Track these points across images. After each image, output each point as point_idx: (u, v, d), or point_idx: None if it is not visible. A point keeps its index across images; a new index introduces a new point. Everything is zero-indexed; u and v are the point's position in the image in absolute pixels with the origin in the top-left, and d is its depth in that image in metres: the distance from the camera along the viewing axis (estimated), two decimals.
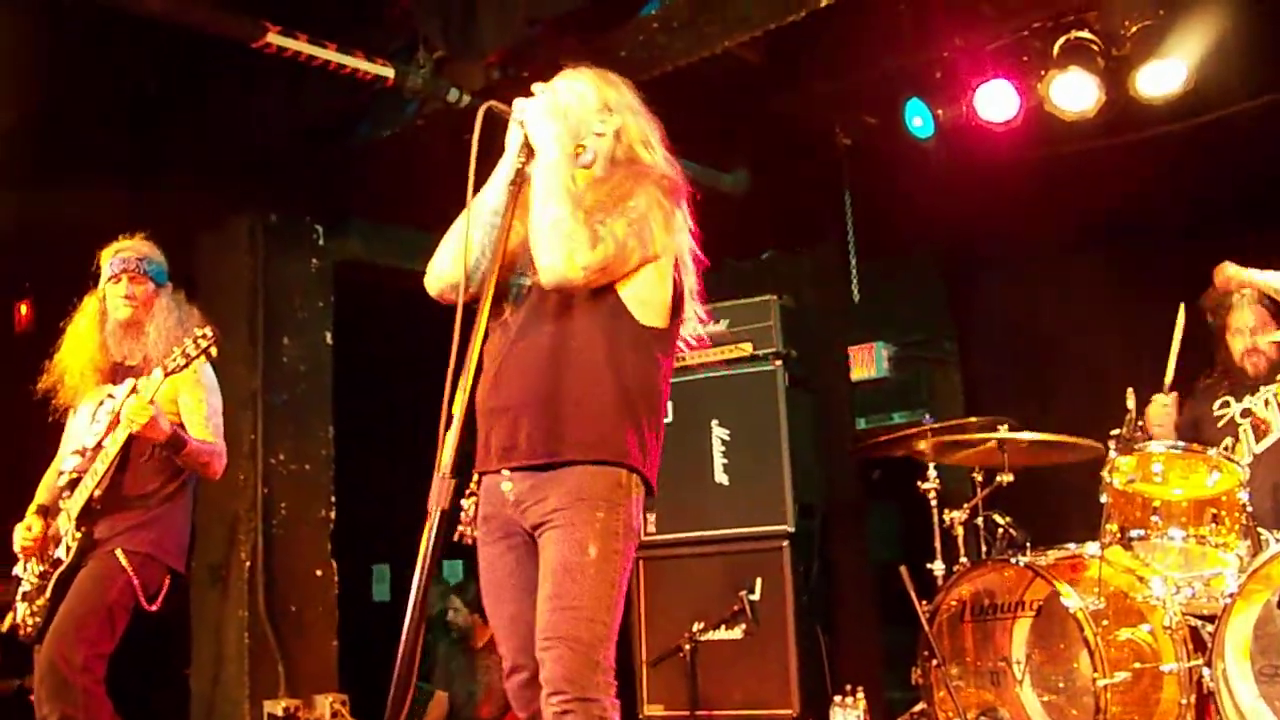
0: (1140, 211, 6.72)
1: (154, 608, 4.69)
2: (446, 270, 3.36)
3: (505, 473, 3.22)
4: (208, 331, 4.54)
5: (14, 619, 4.75)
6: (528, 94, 3.33)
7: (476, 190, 3.25)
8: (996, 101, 6.60)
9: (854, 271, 7.63)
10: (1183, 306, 5.32)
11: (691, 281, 3.42)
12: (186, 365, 4.53)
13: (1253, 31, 6.07)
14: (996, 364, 7.60)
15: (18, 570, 4.80)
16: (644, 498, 3.30)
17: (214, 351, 4.59)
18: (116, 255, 4.95)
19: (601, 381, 3.20)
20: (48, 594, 4.63)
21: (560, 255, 3.11)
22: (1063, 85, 6.40)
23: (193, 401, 4.86)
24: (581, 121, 3.40)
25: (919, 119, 6.99)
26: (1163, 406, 5.53)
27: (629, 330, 3.26)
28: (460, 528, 3.24)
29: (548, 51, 6.08)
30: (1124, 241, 6.85)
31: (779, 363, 6.66)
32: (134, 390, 4.67)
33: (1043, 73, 6.43)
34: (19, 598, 4.75)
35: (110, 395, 4.84)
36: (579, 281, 3.15)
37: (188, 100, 6.49)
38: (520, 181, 3.23)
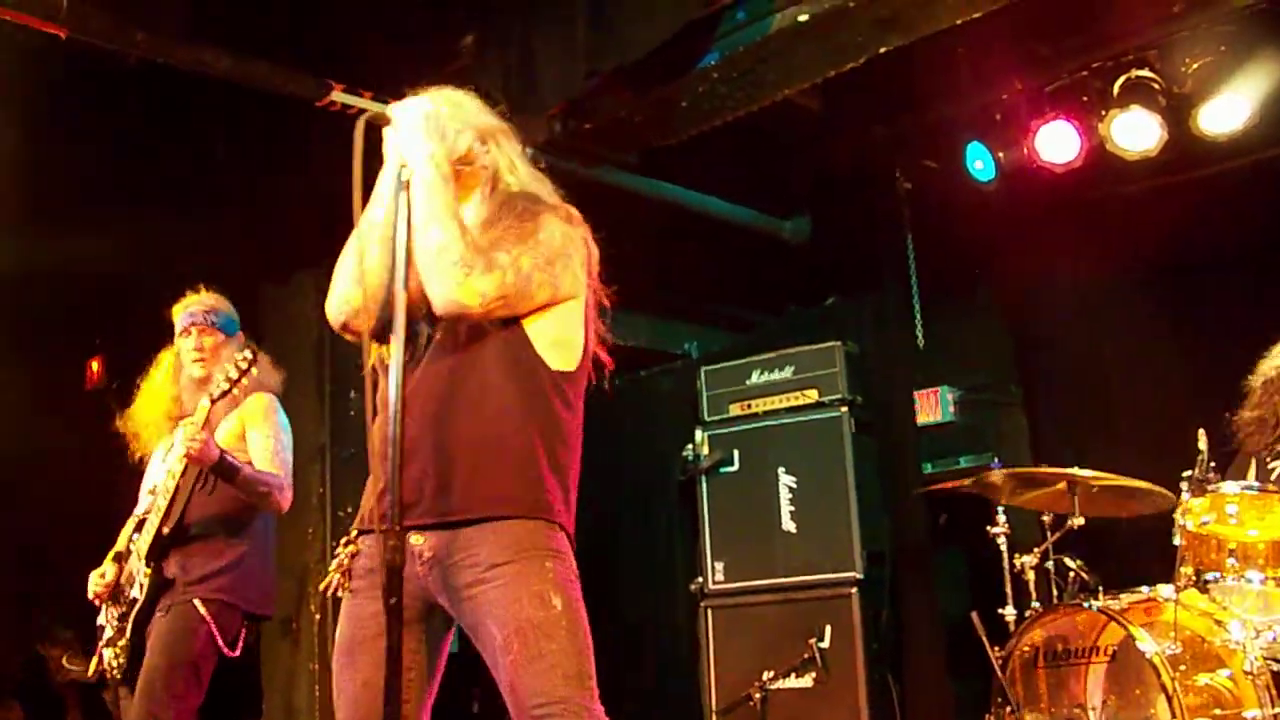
0: (1205, 249, 6.66)
1: (234, 653, 4.70)
2: (349, 292, 3.07)
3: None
4: (247, 354, 4.63)
5: (99, 664, 4.81)
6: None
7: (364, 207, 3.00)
8: (1057, 143, 6.61)
9: (918, 316, 7.62)
10: (1202, 432, 5.11)
11: (597, 324, 3.18)
12: (231, 388, 4.60)
13: None
14: (1063, 407, 7.52)
15: (100, 619, 4.86)
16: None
17: (254, 371, 4.67)
18: (185, 310, 5.05)
19: (514, 430, 2.95)
20: (128, 635, 4.68)
21: (451, 282, 2.86)
22: (1124, 125, 6.39)
23: (261, 437, 4.89)
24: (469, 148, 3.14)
25: (980, 162, 7.00)
26: None
27: (540, 374, 3.02)
28: (332, 576, 2.95)
29: (609, 103, 6.15)
30: (1189, 280, 6.78)
31: (844, 409, 6.63)
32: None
33: (1103, 113, 6.43)
34: (103, 644, 4.80)
35: None
36: (476, 309, 2.90)
37: (253, 155, 6.59)
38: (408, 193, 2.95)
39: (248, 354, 4.65)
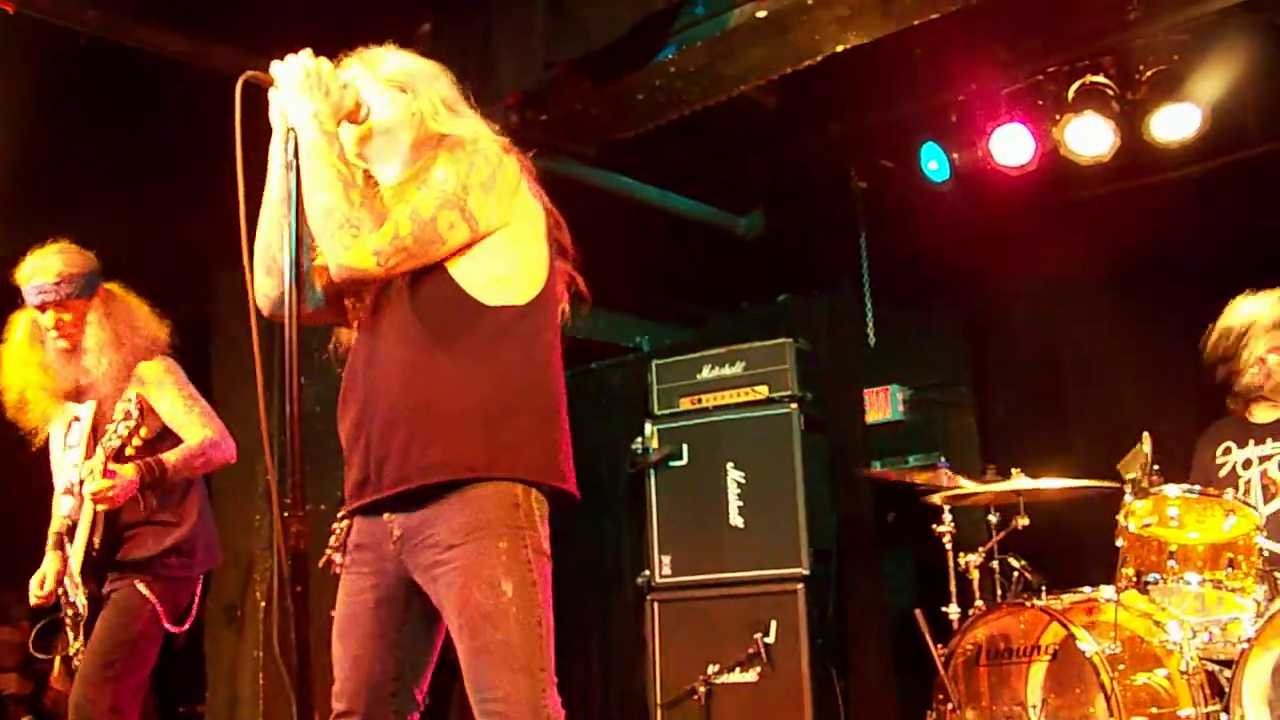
0: (1157, 254, 6.71)
1: (184, 628, 4.57)
2: (263, 283, 2.99)
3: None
4: (131, 407, 4.33)
5: (65, 650, 4.59)
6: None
7: (255, 181, 2.85)
8: (1012, 145, 6.64)
9: (869, 315, 7.64)
10: (1147, 435, 5.11)
11: (556, 245, 3.03)
12: (124, 445, 4.34)
13: (1267, 74, 6.10)
14: (1012, 407, 7.57)
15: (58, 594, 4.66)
16: (547, 513, 2.93)
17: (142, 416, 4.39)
18: (30, 284, 4.57)
19: (447, 390, 2.81)
20: (80, 638, 4.50)
21: (339, 246, 2.73)
22: (1078, 129, 6.44)
23: (170, 399, 4.60)
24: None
25: (934, 163, 7.03)
26: None
27: (478, 320, 2.85)
28: (329, 553, 2.96)
29: (565, 95, 6.14)
30: (1140, 284, 6.84)
31: (794, 406, 6.64)
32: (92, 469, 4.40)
33: (1058, 117, 6.47)
34: (69, 624, 4.59)
35: (76, 418, 4.65)
36: (374, 270, 2.75)
37: (209, 142, 6.52)
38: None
39: (131, 407, 4.33)
